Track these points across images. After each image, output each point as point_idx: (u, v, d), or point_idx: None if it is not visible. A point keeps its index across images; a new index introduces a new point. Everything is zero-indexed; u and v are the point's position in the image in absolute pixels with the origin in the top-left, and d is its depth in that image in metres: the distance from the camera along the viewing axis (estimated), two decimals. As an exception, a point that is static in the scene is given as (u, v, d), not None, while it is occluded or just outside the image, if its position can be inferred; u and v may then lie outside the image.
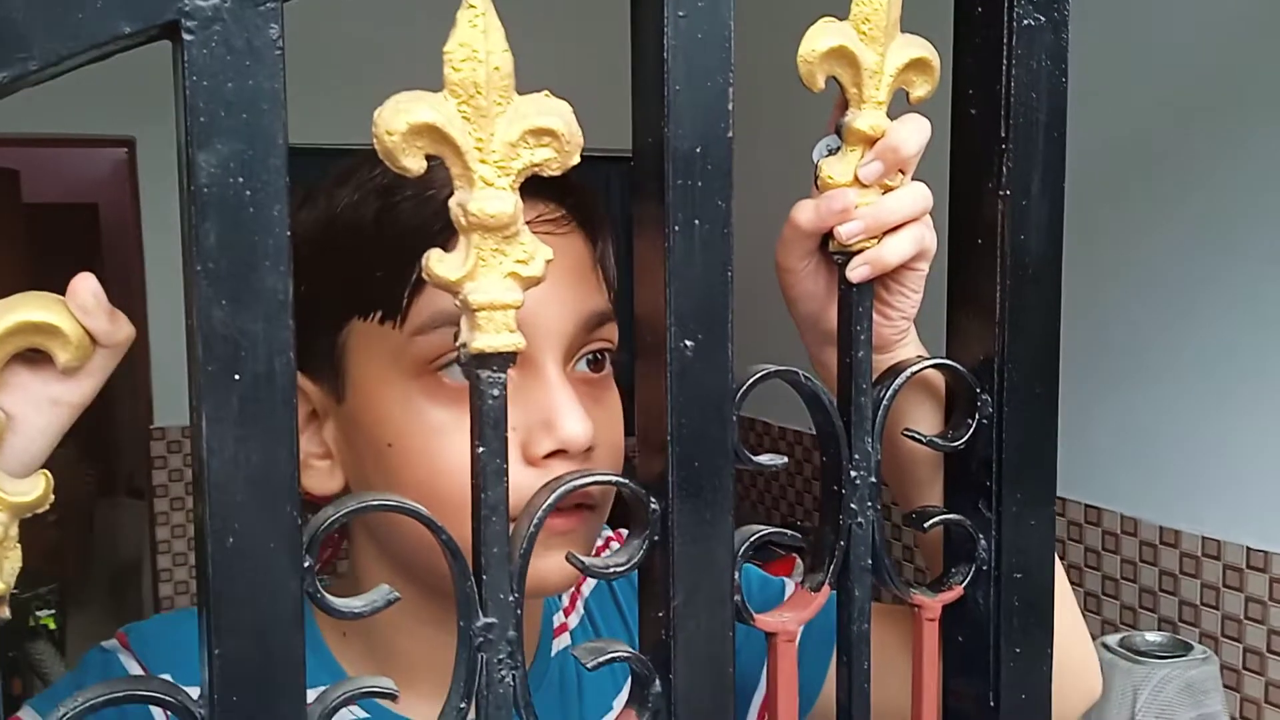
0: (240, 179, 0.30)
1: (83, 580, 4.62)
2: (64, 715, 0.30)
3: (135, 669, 0.59)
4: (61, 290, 0.34)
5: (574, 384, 0.56)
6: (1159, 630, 2.38)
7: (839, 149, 0.44)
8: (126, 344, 0.34)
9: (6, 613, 0.29)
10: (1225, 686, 2.19)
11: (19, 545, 0.30)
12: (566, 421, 0.52)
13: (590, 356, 0.58)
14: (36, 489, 0.30)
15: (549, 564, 0.52)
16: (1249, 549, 2.32)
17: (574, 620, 0.70)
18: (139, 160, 3.40)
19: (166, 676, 0.58)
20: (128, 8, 0.29)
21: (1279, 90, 2.11)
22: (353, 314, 0.55)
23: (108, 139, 3.52)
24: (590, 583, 0.72)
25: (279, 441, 0.31)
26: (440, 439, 0.53)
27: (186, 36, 0.29)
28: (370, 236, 0.54)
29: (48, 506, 0.30)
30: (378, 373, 0.55)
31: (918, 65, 0.41)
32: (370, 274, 0.54)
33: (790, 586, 0.74)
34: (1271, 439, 2.20)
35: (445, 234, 0.49)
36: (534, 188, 0.40)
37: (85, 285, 0.32)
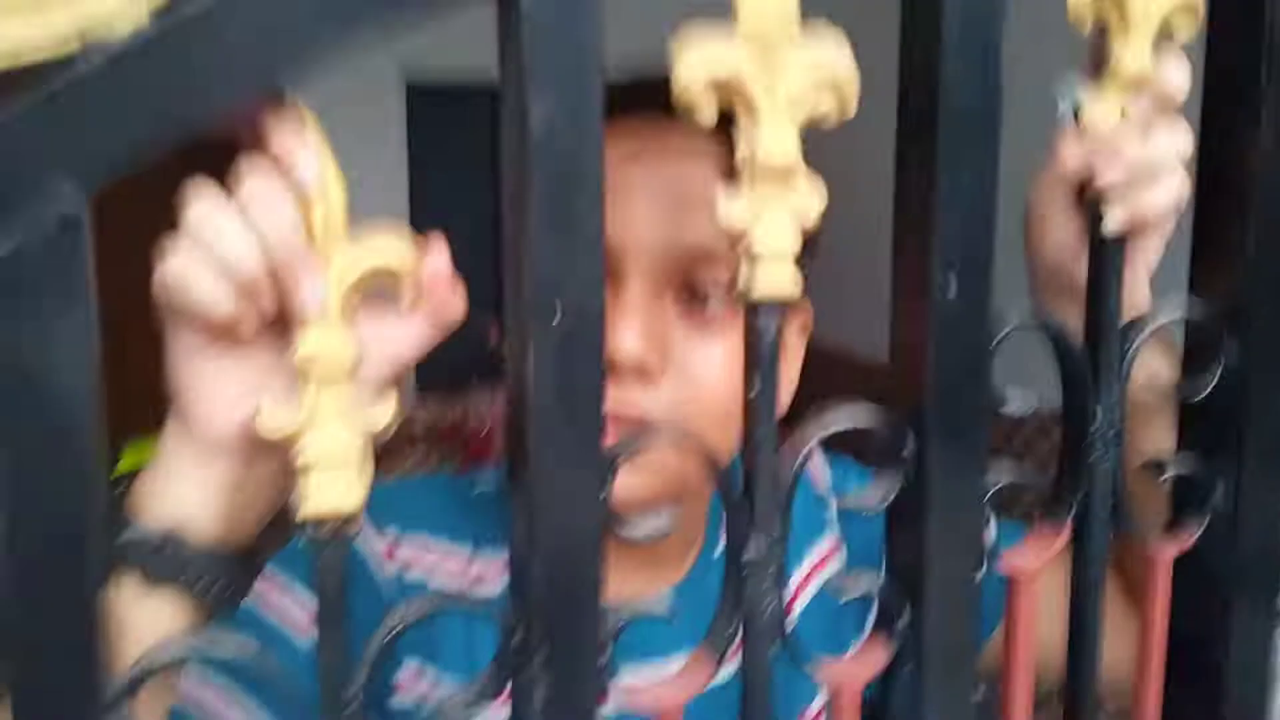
0: (565, 126, 0.32)
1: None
2: (386, 638, 0.33)
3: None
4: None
5: (674, 316, 0.57)
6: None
7: (1082, 89, 0.43)
8: (453, 323, 0.36)
9: (359, 526, 0.32)
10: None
11: (370, 465, 0.33)
12: (617, 336, 0.55)
13: (691, 293, 0.57)
14: (388, 414, 0.33)
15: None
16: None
17: None
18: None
19: (393, 529, 0.62)
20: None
21: None
22: None
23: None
24: None
25: (592, 374, 0.34)
26: None
27: (522, -2, 0.31)
28: None
29: (395, 429, 0.33)
30: None
31: (1184, 6, 0.41)
32: None
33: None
34: None
35: None
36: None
37: (435, 261, 0.35)
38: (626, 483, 0.56)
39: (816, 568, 0.74)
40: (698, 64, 0.34)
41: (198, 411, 0.35)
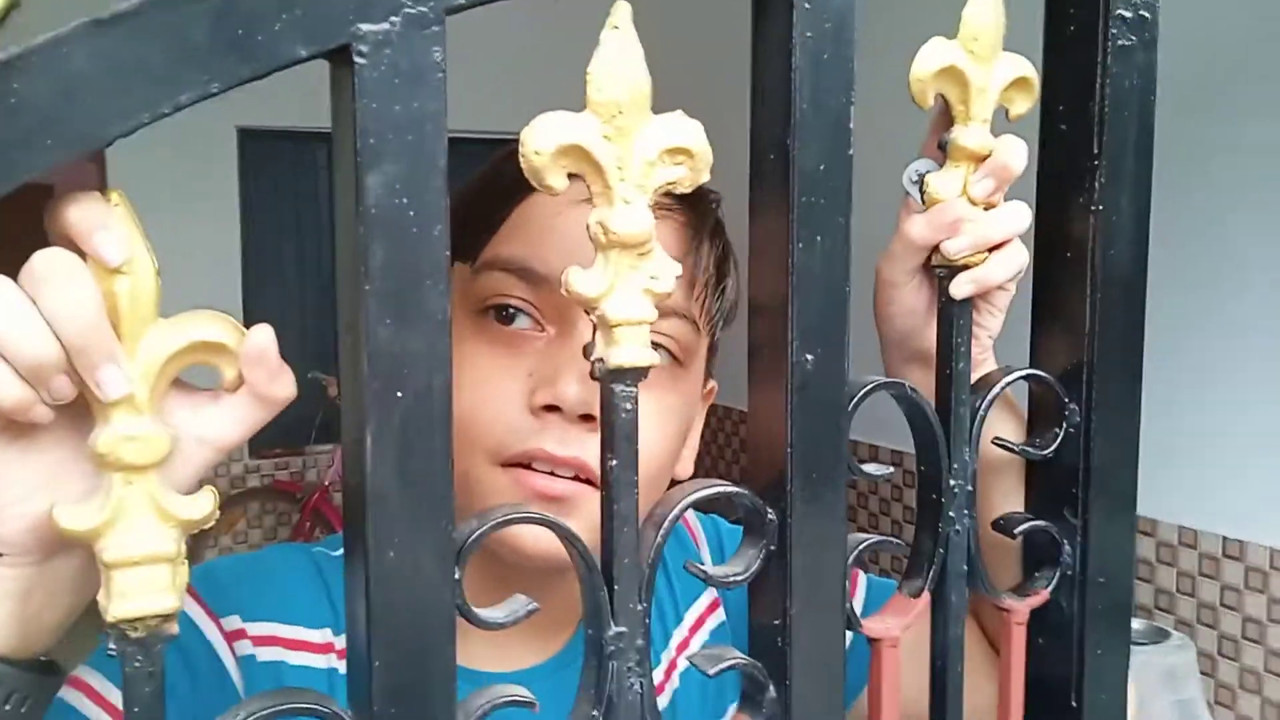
0: (405, 200, 0.31)
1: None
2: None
3: (197, 611, 0.58)
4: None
5: None
6: (1136, 617, 2.44)
7: (929, 172, 0.45)
8: (282, 404, 0.34)
9: (176, 628, 0.30)
10: (1201, 673, 2.25)
11: (186, 561, 0.30)
12: (564, 381, 0.55)
13: None
14: (206, 506, 0.30)
15: (535, 530, 0.54)
16: (1224, 538, 2.38)
17: None
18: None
19: (235, 618, 0.58)
20: (304, 32, 0.29)
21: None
22: (454, 259, 0.60)
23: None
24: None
25: (436, 457, 0.32)
26: (469, 375, 0.56)
27: (358, 60, 0.30)
28: (471, 189, 0.61)
29: (213, 523, 0.30)
30: (453, 309, 0.59)
31: (1020, 84, 0.42)
32: (463, 221, 0.58)
33: None
34: (1245, 429, 2.26)
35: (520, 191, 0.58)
36: None
37: (259, 336, 0.32)
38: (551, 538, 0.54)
39: (697, 626, 0.73)
40: (546, 131, 0.33)
41: None
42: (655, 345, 0.59)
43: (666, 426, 0.60)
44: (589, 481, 0.56)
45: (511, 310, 0.58)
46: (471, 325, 0.59)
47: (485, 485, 0.56)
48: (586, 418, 0.55)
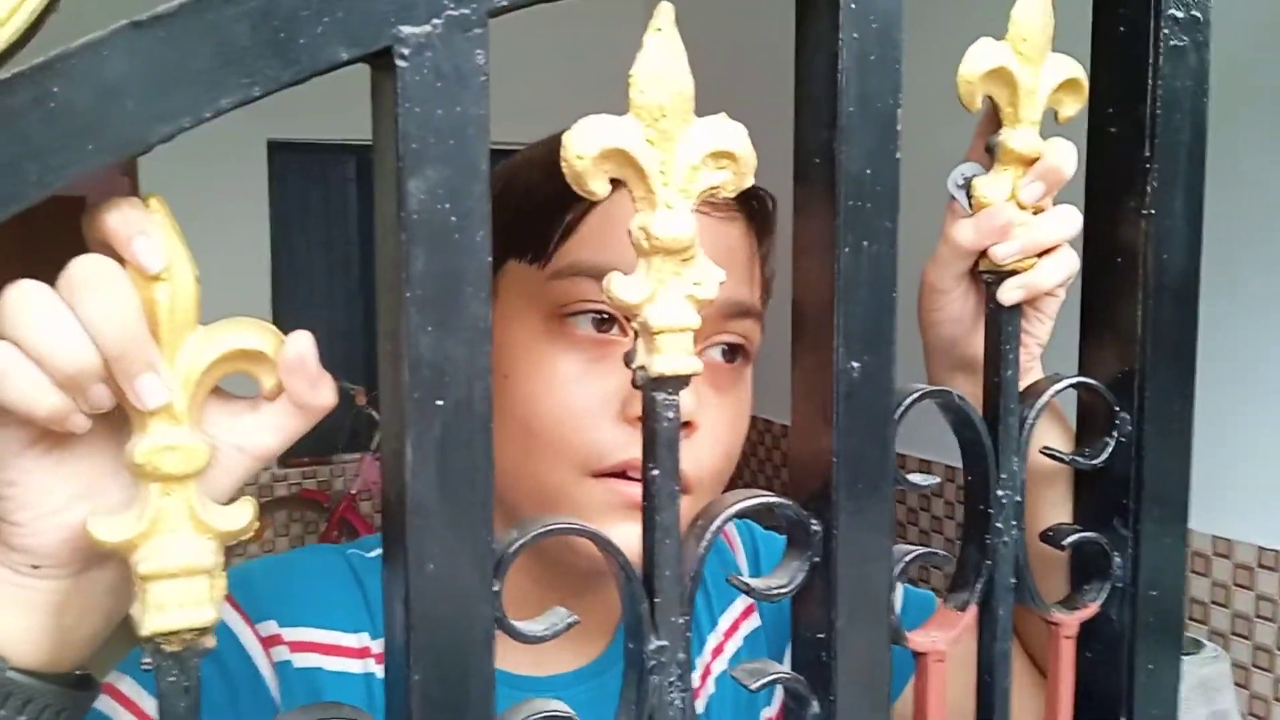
0: (447, 205, 0.30)
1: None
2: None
3: (233, 617, 0.57)
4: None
5: (704, 370, 0.57)
6: (1171, 628, 2.39)
7: (975, 176, 0.44)
8: (322, 412, 0.33)
9: (213, 641, 0.29)
10: (1235, 684, 2.21)
11: (225, 573, 0.30)
12: None
13: (722, 346, 0.59)
14: (245, 517, 0.29)
15: (621, 533, 0.52)
16: (1260, 548, 2.34)
17: None
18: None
19: (271, 623, 0.57)
20: (345, 34, 0.28)
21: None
22: (510, 255, 0.59)
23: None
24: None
25: (477, 466, 0.31)
26: (552, 382, 0.55)
27: (400, 63, 0.29)
28: (536, 185, 0.58)
29: (252, 535, 0.30)
30: (516, 309, 0.58)
31: (1069, 85, 0.41)
32: (530, 220, 0.57)
33: None
34: (1282, 438, 2.22)
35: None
36: None
37: (298, 344, 0.32)
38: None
39: (731, 631, 0.72)
40: (588, 134, 0.33)
41: (18, 520, 0.31)
42: (735, 346, 0.60)
43: (740, 425, 0.60)
44: (683, 489, 0.55)
45: (599, 316, 0.56)
46: (546, 330, 0.57)
47: (578, 496, 0.54)
48: (683, 425, 0.54)
